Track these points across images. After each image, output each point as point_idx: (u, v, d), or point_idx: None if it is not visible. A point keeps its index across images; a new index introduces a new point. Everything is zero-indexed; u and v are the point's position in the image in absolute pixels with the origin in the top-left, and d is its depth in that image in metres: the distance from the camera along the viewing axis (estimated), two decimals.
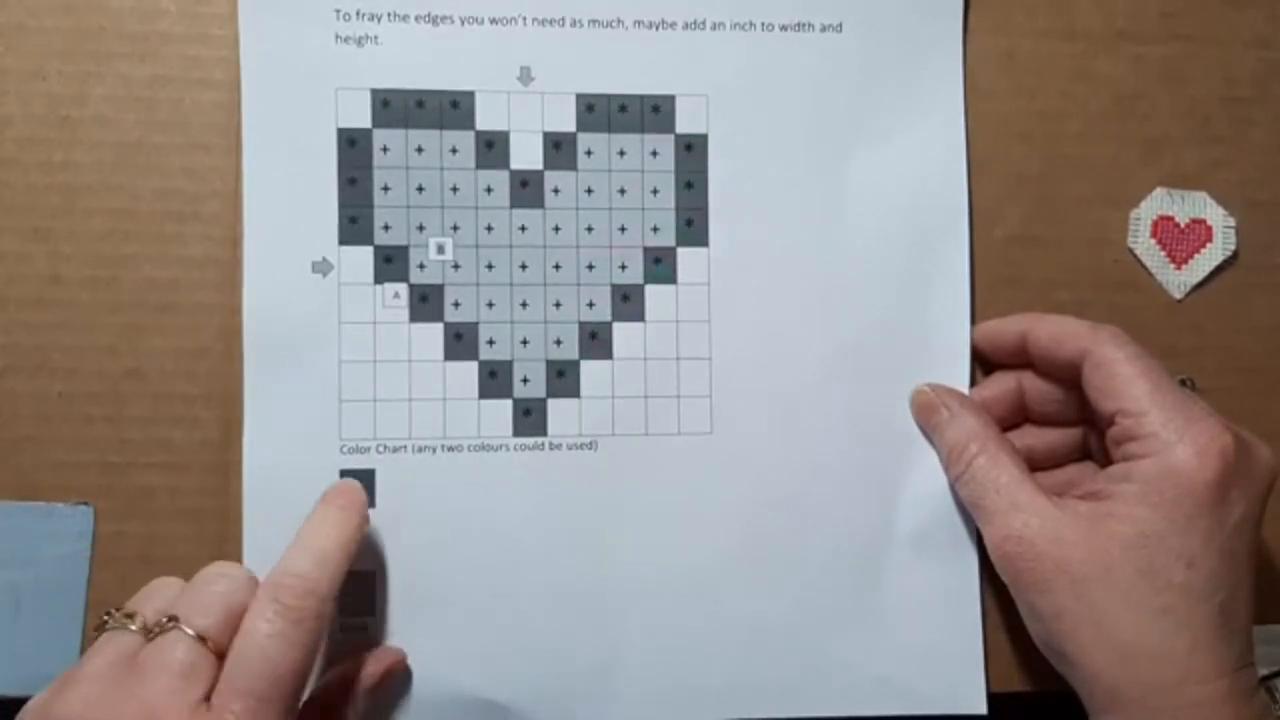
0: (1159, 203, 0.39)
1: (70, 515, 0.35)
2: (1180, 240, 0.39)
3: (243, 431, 0.36)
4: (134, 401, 0.36)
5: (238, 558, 0.35)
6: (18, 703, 0.35)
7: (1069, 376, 0.36)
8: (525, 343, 0.37)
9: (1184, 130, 0.39)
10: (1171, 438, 0.32)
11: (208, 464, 0.36)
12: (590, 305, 0.38)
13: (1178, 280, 0.39)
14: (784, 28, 0.38)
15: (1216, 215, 0.39)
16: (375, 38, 0.37)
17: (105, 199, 0.36)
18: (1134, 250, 0.39)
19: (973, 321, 0.38)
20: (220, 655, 0.30)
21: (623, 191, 0.38)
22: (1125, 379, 0.33)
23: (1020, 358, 0.37)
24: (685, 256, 0.38)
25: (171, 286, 0.36)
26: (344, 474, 0.36)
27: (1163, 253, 0.39)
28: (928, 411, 0.37)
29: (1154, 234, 0.39)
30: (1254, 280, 0.39)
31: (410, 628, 0.36)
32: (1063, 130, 0.39)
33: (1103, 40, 0.39)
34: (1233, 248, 0.39)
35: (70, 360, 0.36)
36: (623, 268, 0.38)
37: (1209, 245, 0.39)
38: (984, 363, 0.38)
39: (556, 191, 0.37)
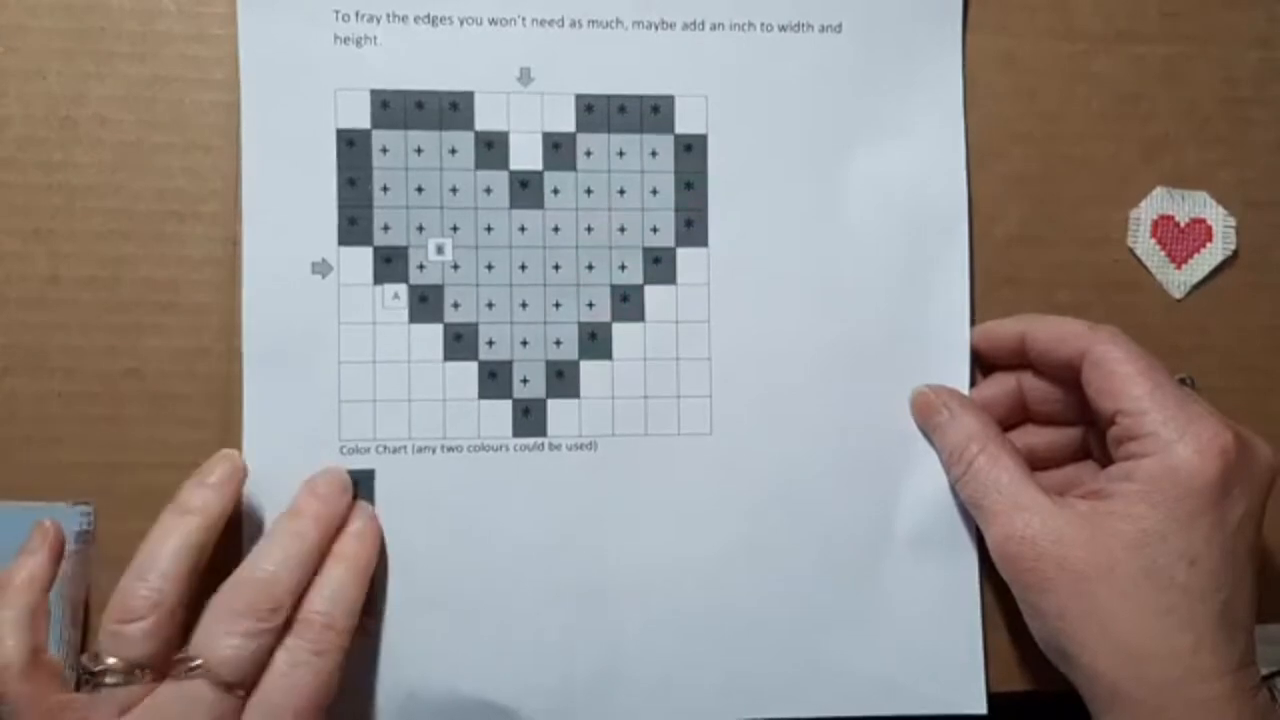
0: (1159, 202, 0.39)
1: (70, 515, 0.35)
2: (1180, 240, 0.39)
3: (243, 431, 0.36)
4: (134, 401, 0.36)
5: (238, 558, 0.35)
6: None
7: (1068, 376, 0.36)
8: (525, 343, 0.37)
9: (1184, 130, 0.39)
10: (1172, 436, 0.32)
11: None
12: (590, 305, 0.37)
13: (1178, 280, 0.39)
14: (783, 28, 0.38)
15: (1216, 215, 0.39)
16: (374, 38, 0.37)
17: (105, 199, 0.36)
18: (1134, 250, 0.39)
19: (973, 322, 0.38)
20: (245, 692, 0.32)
21: (622, 192, 0.38)
22: (1125, 379, 0.33)
23: (1019, 358, 0.37)
24: (685, 257, 0.38)
25: (171, 286, 0.36)
26: None
27: (1163, 252, 0.39)
28: (928, 412, 0.37)
29: (1154, 234, 0.39)
30: (1254, 280, 0.39)
31: (411, 628, 0.36)
32: (1063, 130, 0.39)
33: (1103, 40, 0.39)
34: (1233, 247, 0.39)
35: (70, 360, 0.36)
36: (622, 268, 0.38)
37: (1209, 245, 0.39)
38: (983, 364, 0.38)
39: (556, 192, 0.37)
